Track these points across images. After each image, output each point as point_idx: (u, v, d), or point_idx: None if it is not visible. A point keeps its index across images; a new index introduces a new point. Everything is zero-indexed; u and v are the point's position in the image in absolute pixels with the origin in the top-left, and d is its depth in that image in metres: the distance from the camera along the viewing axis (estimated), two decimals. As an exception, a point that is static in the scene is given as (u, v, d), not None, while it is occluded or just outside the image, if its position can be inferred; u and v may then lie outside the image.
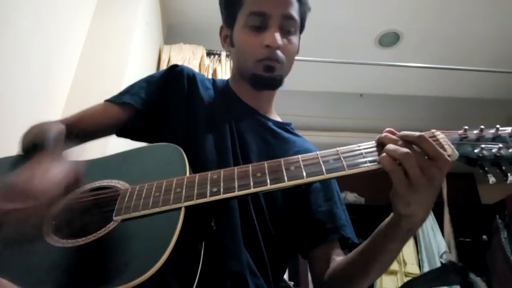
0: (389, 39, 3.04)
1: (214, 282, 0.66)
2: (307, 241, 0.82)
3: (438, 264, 3.25)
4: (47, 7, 1.50)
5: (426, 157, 0.54)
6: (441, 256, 3.30)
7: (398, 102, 3.71)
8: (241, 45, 0.88)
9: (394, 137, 0.57)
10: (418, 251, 3.50)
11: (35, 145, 0.67)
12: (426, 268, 3.32)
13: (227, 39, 0.94)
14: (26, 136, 0.75)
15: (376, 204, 3.53)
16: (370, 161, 0.57)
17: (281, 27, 0.85)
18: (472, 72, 3.00)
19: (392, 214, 0.61)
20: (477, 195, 4.48)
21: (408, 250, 3.49)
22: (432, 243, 3.42)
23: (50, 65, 1.58)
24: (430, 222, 3.57)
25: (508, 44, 3.01)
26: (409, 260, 3.41)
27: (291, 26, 0.86)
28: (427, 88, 3.52)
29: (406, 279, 3.32)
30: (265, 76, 0.85)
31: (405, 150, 0.53)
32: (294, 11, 0.86)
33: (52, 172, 0.58)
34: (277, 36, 0.82)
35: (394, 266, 3.41)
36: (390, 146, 0.55)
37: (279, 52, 0.84)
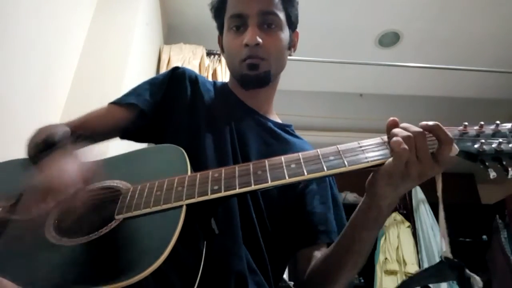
0: (389, 39, 3.05)
1: (218, 280, 0.66)
2: (298, 240, 0.82)
3: (438, 264, 3.24)
4: (47, 7, 1.50)
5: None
6: (441, 256, 3.29)
7: (398, 102, 3.70)
8: (227, 48, 0.92)
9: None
10: (418, 251, 3.50)
11: (47, 143, 0.68)
12: (426, 268, 3.31)
13: (221, 46, 0.96)
14: (34, 137, 0.75)
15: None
16: (371, 157, 0.57)
17: (261, 24, 0.86)
18: (472, 72, 3.00)
19: (362, 203, 0.64)
20: (477, 195, 4.48)
21: (408, 250, 3.49)
22: (432, 243, 3.42)
23: (50, 65, 1.58)
24: (430, 222, 3.56)
25: (509, 44, 3.01)
26: (409, 260, 3.41)
27: (272, 22, 0.87)
28: (427, 88, 3.52)
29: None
30: (251, 74, 0.86)
31: (418, 128, 0.55)
32: (274, 6, 0.87)
33: (69, 169, 0.59)
34: (254, 33, 0.84)
35: (394, 266, 3.41)
36: (403, 127, 0.57)
37: (260, 49, 0.84)
